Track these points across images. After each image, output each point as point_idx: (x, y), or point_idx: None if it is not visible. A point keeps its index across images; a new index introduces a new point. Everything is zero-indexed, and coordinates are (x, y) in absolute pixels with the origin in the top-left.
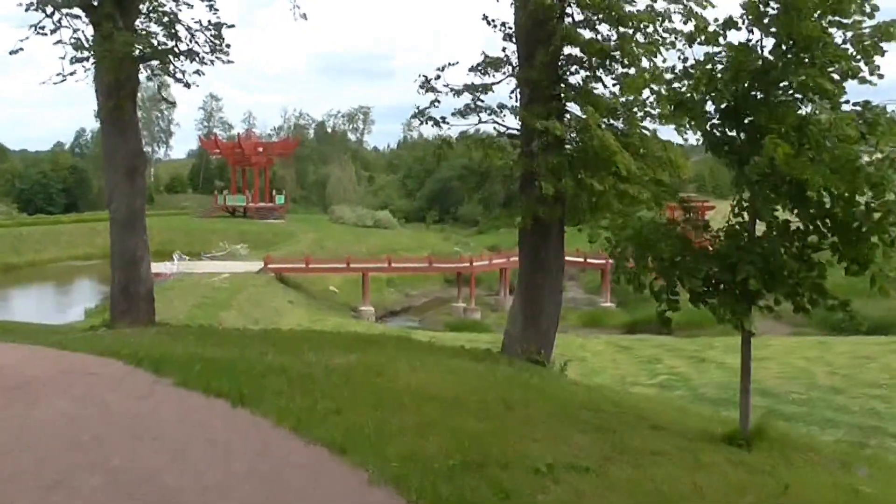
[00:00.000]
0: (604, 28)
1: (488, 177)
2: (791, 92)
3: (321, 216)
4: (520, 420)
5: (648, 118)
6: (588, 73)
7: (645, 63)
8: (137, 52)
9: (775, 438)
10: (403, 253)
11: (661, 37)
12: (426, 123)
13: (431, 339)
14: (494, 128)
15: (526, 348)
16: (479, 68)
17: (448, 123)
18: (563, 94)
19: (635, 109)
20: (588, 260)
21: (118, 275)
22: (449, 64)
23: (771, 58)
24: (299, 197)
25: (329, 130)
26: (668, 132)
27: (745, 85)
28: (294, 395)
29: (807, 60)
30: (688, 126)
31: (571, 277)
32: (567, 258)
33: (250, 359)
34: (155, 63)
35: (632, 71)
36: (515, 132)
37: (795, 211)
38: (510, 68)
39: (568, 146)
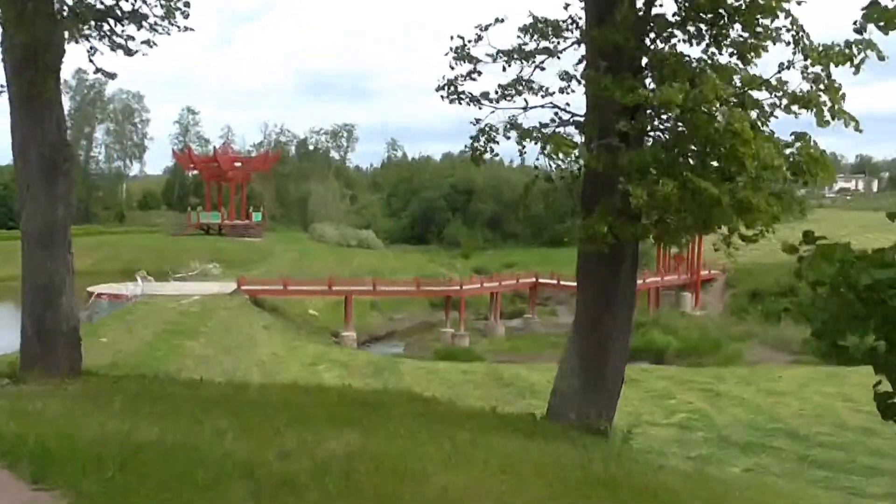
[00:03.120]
0: None
1: (528, 189)
2: None
3: (301, 235)
4: None
5: (789, 103)
6: (689, 37)
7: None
8: (58, 5)
9: None
10: (388, 275)
11: None
12: (458, 101)
13: (449, 399)
14: (556, 113)
15: (584, 413)
16: (534, 30)
17: (490, 101)
18: (654, 65)
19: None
20: None
21: (30, 307)
22: (497, 20)
23: None
24: (279, 215)
25: (311, 147)
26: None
27: None
28: None
29: None
30: None
31: (561, 302)
32: (563, 282)
33: (201, 446)
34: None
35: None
36: (579, 118)
37: None
38: (574, 32)
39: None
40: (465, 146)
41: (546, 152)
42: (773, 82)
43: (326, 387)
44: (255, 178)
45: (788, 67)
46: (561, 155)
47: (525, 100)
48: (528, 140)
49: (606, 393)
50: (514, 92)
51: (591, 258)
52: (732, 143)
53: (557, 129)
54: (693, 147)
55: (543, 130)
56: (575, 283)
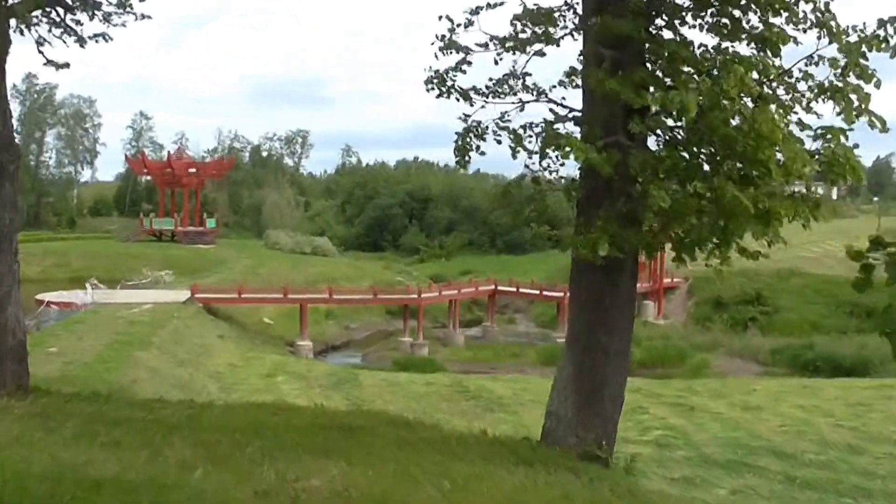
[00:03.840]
0: None
1: (509, 196)
2: None
3: (255, 242)
4: None
5: (815, 97)
6: (702, 24)
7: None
8: None
9: None
10: (344, 282)
11: None
12: (446, 95)
13: (434, 422)
14: (551, 109)
15: (582, 438)
16: (527, 19)
17: (482, 96)
18: (665, 57)
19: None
20: (544, 292)
21: None
22: (489, 5)
23: None
24: (232, 221)
25: (265, 154)
26: None
27: None
28: None
29: None
30: None
31: (518, 310)
32: (522, 290)
33: (166, 483)
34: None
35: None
36: (578, 114)
37: None
38: (572, 19)
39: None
40: (455, 141)
41: (556, 152)
42: (796, 73)
43: (297, 407)
44: (208, 185)
45: (813, 60)
46: (573, 157)
47: (520, 98)
48: (522, 140)
49: (605, 416)
50: (506, 87)
51: (585, 267)
52: (756, 145)
53: (556, 127)
54: (708, 149)
55: (536, 129)
56: (535, 291)
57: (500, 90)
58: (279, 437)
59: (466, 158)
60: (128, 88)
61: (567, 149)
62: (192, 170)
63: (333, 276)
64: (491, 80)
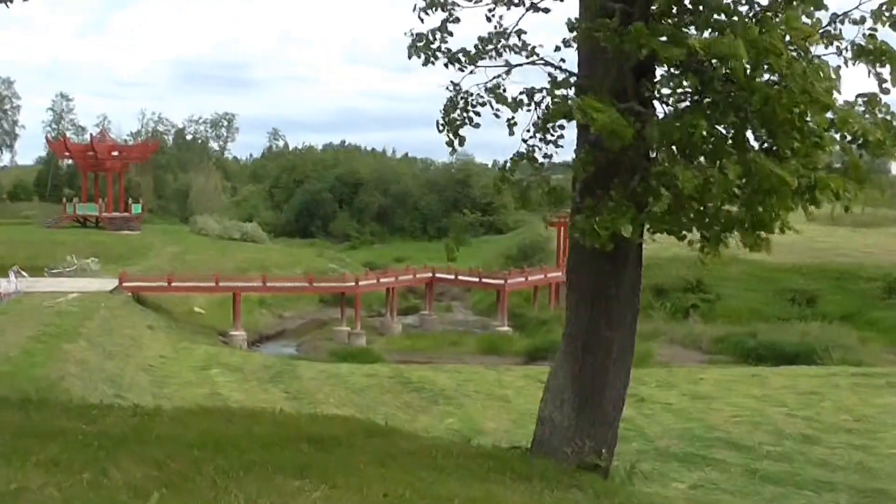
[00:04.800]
0: None
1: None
2: None
3: (181, 227)
4: None
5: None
6: None
7: None
8: None
9: None
10: (276, 270)
11: None
12: (432, 61)
13: (412, 431)
14: (550, 74)
15: (580, 447)
16: None
17: (469, 59)
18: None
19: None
20: (483, 280)
21: None
22: None
23: None
24: (157, 207)
25: (190, 137)
26: None
27: None
28: None
29: None
30: None
31: (455, 297)
32: (461, 277)
33: None
34: None
35: None
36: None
37: None
38: None
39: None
40: (442, 118)
41: (561, 121)
42: (833, 32)
43: (254, 412)
44: (132, 169)
45: (850, 17)
46: (591, 123)
47: (506, 60)
48: (522, 108)
49: (607, 422)
50: (491, 48)
51: (588, 254)
52: (804, 110)
53: (557, 93)
54: (739, 116)
55: (535, 97)
56: (474, 279)
57: (485, 51)
58: (242, 453)
59: (454, 136)
60: (48, 71)
61: (583, 112)
62: (116, 153)
63: (265, 264)
64: (480, 38)
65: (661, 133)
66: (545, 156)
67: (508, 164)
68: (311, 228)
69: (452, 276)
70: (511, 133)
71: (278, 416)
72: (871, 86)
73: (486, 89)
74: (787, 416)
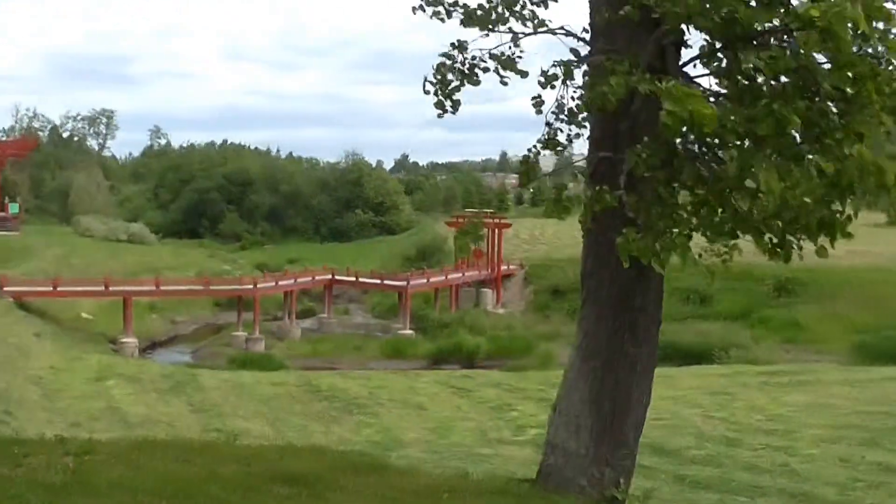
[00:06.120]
0: None
1: None
2: None
3: (62, 228)
4: None
5: None
6: None
7: None
8: None
9: None
10: (167, 272)
11: None
12: (444, 15)
13: (408, 466)
14: (573, 49)
15: (599, 478)
16: None
17: (479, 20)
18: None
19: None
20: (385, 282)
21: None
22: None
23: None
24: (34, 207)
25: (66, 134)
26: None
27: None
28: None
29: None
30: None
31: (352, 300)
32: (362, 279)
33: None
34: None
35: None
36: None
37: None
38: None
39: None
40: (429, 83)
41: (665, 105)
42: None
43: (207, 444)
44: (8, 166)
45: None
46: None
47: (510, 28)
48: (553, 83)
49: (627, 449)
50: (496, 15)
51: (611, 259)
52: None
53: (575, 65)
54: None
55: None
56: (375, 281)
57: (490, 18)
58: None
59: (444, 99)
60: None
61: (673, 98)
62: None
63: (156, 266)
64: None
65: (746, 121)
66: (568, 138)
67: (533, 153)
68: (199, 229)
69: (353, 279)
70: (539, 111)
71: (239, 450)
72: None
73: (491, 55)
74: (704, 417)
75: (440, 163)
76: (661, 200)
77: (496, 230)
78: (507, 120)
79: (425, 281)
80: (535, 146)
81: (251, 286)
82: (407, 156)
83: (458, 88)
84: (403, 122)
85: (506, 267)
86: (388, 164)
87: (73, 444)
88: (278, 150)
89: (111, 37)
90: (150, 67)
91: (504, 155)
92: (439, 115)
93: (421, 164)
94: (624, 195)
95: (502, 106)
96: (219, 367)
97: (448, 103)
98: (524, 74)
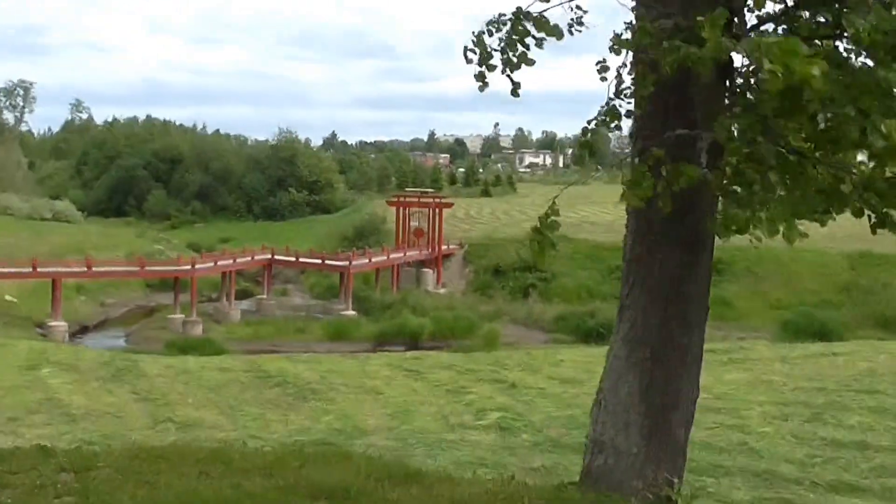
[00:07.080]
0: None
1: None
2: None
3: None
4: None
5: None
6: None
7: None
8: None
9: None
10: (95, 252)
11: None
12: None
13: (439, 469)
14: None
15: (653, 479)
16: None
17: None
18: None
19: None
20: (327, 262)
21: None
22: None
23: None
24: None
25: None
26: None
27: None
28: None
29: None
30: None
31: (289, 280)
32: (302, 259)
33: None
34: None
35: None
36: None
37: None
38: None
39: None
40: (471, 46)
41: (768, 70)
42: None
43: (218, 450)
44: None
45: None
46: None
47: None
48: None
49: (678, 446)
50: None
51: (661, 240)
52: None
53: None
54: None
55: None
56: (316, 261)
57: None
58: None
59: (488, 70)
60: None
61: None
62: None
63: (83, 246)
64: None
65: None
66: (628, 113)
67: (592, 127)
68: (125, 207)
69: (293, 258)
70: (603, 79)
71: (250, 457)
72: None
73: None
74: None
75: (369, 142)
76: (748, 175)
77: (437, 210)
78: (432, 100)
79: (367, 261)
80: (595, 119)
81: (189, 266)
82: (335, 134)
83: (518, 64)
84: (329, 102)
85: (446, 247)
86: (317, 143)
87: (64, 456)
88: (204, 127)
89: (26, 3)
90: (68, 38)
91: (432, 134)
92: (480, 89)
93: (350, 143)
94: (707, 173)
95: (427, 86)
96: (157, 352)
97: (489, 73)
98: (559, 35)
